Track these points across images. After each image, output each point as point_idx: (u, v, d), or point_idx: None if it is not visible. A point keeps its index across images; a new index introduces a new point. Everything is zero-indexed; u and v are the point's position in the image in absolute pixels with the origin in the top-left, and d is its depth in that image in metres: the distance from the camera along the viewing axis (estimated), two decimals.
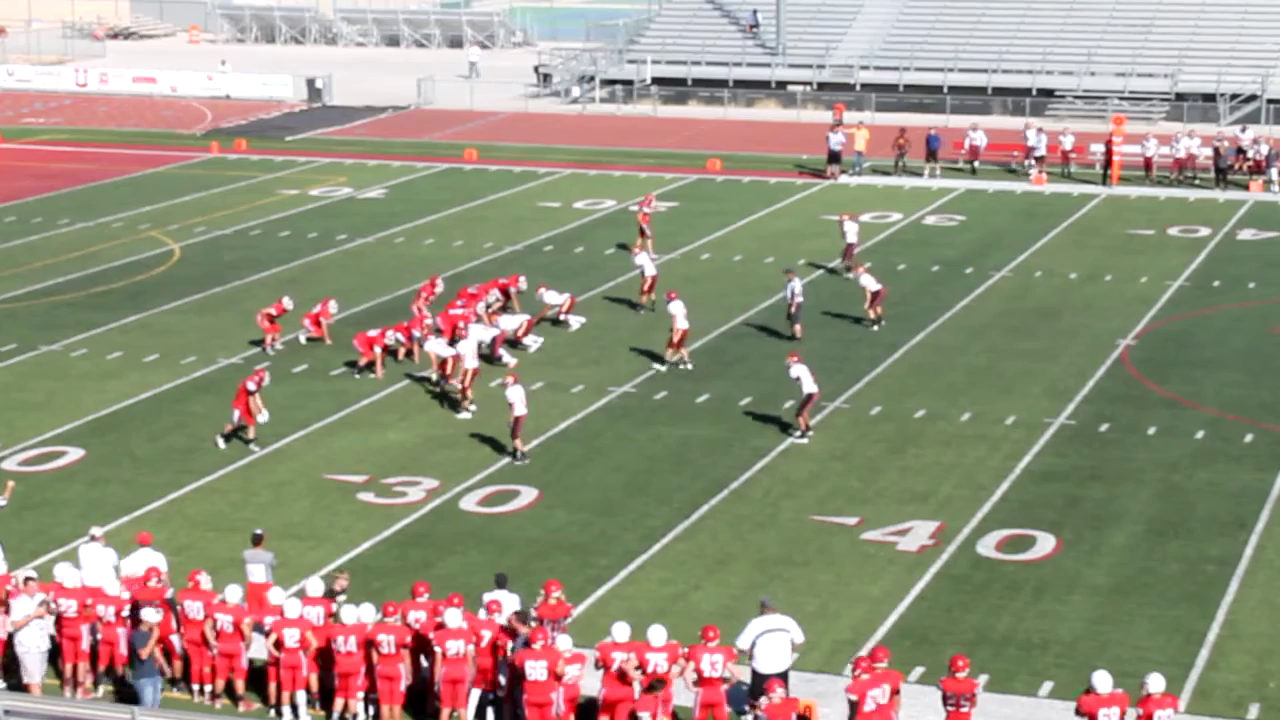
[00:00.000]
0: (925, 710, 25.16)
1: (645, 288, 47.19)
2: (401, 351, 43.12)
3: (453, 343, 41.66)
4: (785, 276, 45.93)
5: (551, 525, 33.43)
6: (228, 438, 37.54)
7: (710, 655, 24.51)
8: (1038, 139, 67.21)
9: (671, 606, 29.58)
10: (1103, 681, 23.37)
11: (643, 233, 54.14)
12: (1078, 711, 23.34)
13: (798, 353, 39.37)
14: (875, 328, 46.02)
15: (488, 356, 43.01)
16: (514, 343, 44.20)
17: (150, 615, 25.65)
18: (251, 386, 37.36)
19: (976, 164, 68.17)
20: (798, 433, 37.90)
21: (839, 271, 51.96)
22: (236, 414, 37.41)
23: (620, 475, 36.08)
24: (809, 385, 37.67)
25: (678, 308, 42.72)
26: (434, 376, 41.23)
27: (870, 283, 46.22)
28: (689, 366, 42.80)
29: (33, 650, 26.20)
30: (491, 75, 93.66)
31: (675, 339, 42.76)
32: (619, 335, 45.52)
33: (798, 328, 44.92)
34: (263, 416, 37.39)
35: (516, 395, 36.55)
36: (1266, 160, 65.18)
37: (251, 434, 37.43)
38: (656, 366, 42.81)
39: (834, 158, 67.35)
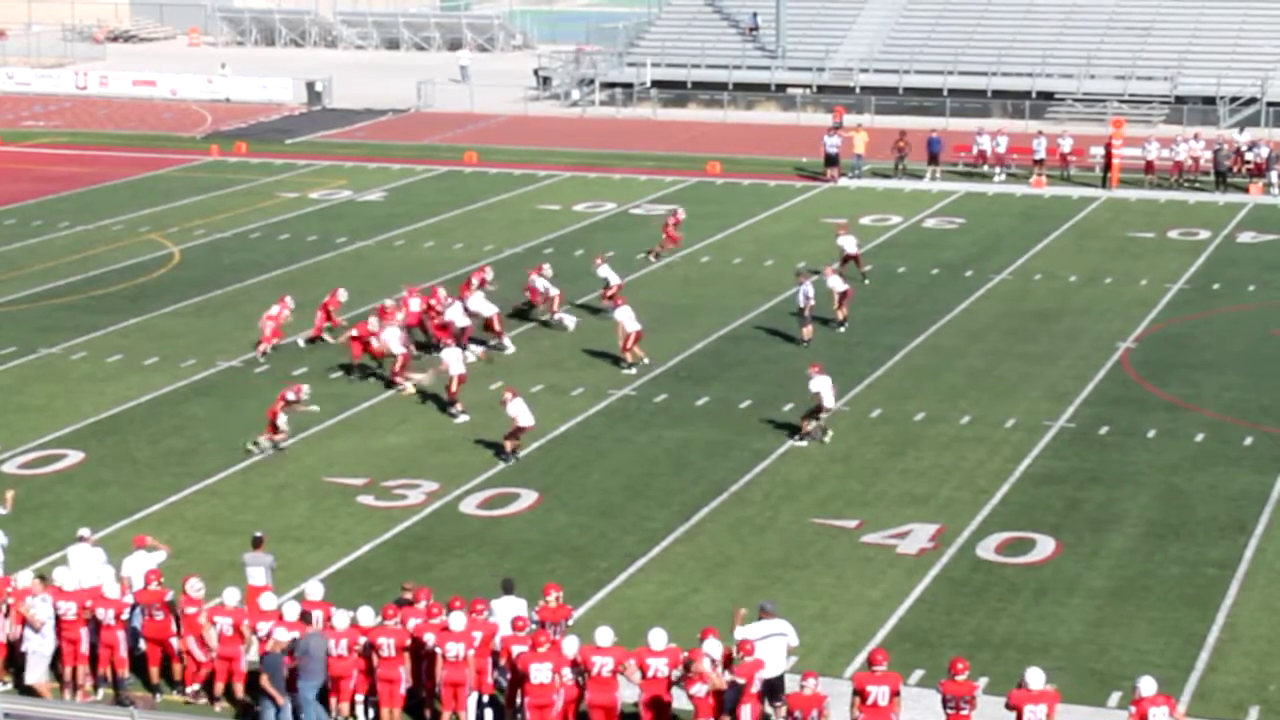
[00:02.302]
0: (925, 713, 25.16)
1: (607, 294, 46.83)
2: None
3: (436, 347, 42.26)
4: (797, 279, 45.85)
5: (551, 528, 33.44)
6: (257, 444, 37.44)
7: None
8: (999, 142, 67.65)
9: (671, 609, 29.59)
10: (1034, 678, 23.59)
11: (666, 241, 54.17)
12: (1008, 705, 23.55)
13: (820, 364, 39.16)
14: (841, 329, 46.06)
15: (425, 345, 43.27)
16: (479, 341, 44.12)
17: (281, 635, 25.53)
18: (291, 397, 37.31)
19: (985, 167, 68.23)
20: (798, 436, 37.85)
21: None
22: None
23: (620, 478, 36.09)
24: (828, 400, 37.54)
25: (624, 313, 43.16)
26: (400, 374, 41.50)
27: (837, 284, 46.37)
28: (646, 361, 43.20)
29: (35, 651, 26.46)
30: (491, 78, 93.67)
31: (629, 342, 43.02)
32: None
33: (807, 330, 44.85)
34: (282, 434, 37.39)
35: (518, 409, 36.56)
36: (1266, 163, 65.20)
37: (283, 443, 37.34)
38: (631, 369, 42.96)
39: (831, 160, 67.37)
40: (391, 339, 41.19)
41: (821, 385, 37.62)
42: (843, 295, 46.32)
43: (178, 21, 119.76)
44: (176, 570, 28.97)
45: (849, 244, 51.42)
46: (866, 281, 50.93)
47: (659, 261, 53.77)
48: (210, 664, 26.37)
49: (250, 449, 37.21)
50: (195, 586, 26.59)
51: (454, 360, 39.90)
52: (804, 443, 37.64)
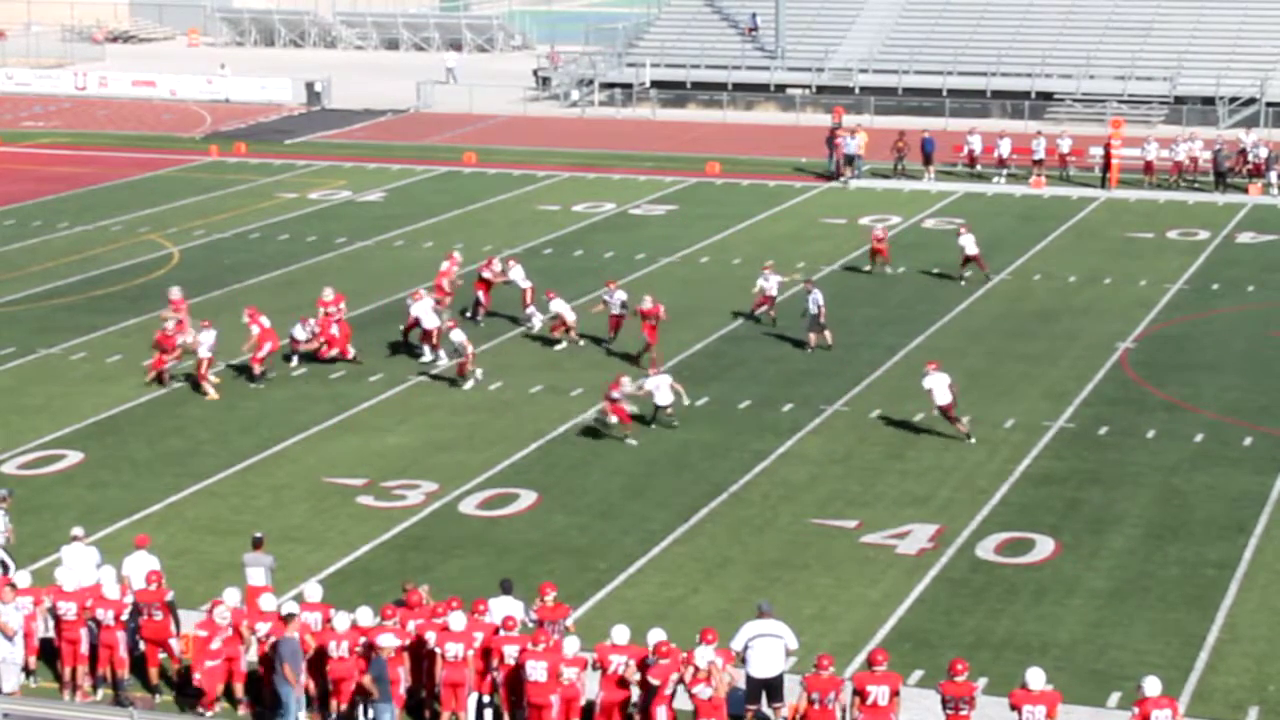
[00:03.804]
0: (925, 714, 25.15)
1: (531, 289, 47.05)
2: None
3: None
4: (805, 287, 45.70)
5: (551, 528, 33.43)
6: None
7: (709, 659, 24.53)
8: (1003, 143, 67.63)
9: (670, 610, 29.58)
10: (1035, 678, 23.73)
11: (879, 254, 52.67)
12: (1010, 705, 23.74)
13: (937, 361, 38.88)
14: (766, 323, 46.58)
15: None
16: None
17: (387, 641, 25.36)
18: (627, 390, 38.06)
19: (977, 168, 68.22)
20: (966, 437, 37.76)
21: (955, 279, 51.53)
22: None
23: (619, 478, 36.08)
24: (941, 397, 37.29)
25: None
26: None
27: (771, 286, 46.70)
28: (570, 343, 44.87)
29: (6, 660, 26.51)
30: (490, 79, 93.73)
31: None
32: (618, 339, 45.45)
33: (813, 336, 44.52)
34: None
35: (655, 383, 38.12)
36: (1266, 163, 65.21)
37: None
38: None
39: (849, 160, 67.18)
40: (204, 341, 41.50)
41: (933, 383, 37.46)
42: (771, 299, 46.61)
43: (177, 22, 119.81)
44: (174, 571, 29.00)
45: (970, 244, 51.26)
46: (963, 283, 50.98)
47: (890, 271, 52.69)
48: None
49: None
50: (221, 614, 26.02)
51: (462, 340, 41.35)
52: (972, 440, 37.63)
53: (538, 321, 46.41)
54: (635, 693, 24.82)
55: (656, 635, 24.89)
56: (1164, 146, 66.32)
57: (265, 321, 42.37)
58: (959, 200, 64.35)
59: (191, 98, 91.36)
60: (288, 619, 25.56)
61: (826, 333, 44.78)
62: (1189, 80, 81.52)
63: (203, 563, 31.47)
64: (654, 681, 24.39)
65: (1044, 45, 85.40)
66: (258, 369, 42.02)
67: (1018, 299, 50.02)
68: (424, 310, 43.64)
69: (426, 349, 43.57)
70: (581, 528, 33.45)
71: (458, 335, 41.61)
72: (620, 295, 44.84)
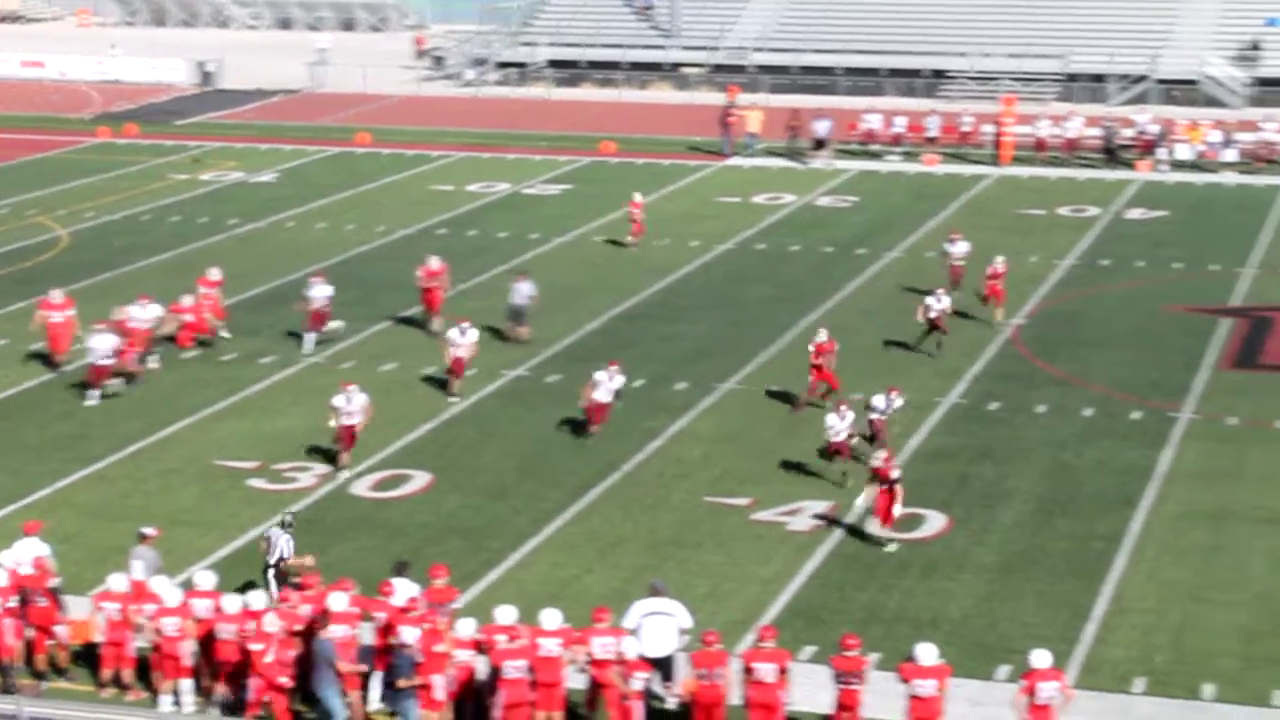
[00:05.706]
0: (816, 689, 25.23)
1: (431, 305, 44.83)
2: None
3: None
4: (515, 280, 44.41)
5: (444, 509, 33.32)
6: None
7: (602, 638, 24.53)
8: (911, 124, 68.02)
9: (563, 590, 29.55)
10: (925, 653, 23.89)
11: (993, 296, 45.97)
12: (901, 680, 23.91)
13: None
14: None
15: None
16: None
17: (417, 636, 24.86)
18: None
19: (873, 146, 68.51)
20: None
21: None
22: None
23: (513, 458, 36.01)
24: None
25: (322, 288, 43.00)
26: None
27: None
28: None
29: None
30: (384, 59, 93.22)
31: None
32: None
33: (510, 325, 43.65)
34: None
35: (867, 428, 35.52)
36: (1155, 140, 65.81)
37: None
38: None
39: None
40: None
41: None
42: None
43: (67, 2, 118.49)
44: (62, 556, 28.69)
45: (960, 251, 47.59)
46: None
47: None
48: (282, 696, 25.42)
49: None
50: (271, 622, 25.13)
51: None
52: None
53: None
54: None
55: (551, 616, 24.71)
56: (1055, 124, 66.86)
57: (57, 317, 41.26)
58: (853, 179, 64.58)
59: (81, 78, 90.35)
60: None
61: (522, 329, 43.48)
62: (1080, 58, 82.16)
63: (91, 548, 31.13)
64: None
65: (938, 23, 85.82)
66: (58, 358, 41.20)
67: (911, 276, 50.20)
68: (101, 344, 39.93)
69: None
70: (475, 508, 33.36)
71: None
72: (620, 379, 37.62)
